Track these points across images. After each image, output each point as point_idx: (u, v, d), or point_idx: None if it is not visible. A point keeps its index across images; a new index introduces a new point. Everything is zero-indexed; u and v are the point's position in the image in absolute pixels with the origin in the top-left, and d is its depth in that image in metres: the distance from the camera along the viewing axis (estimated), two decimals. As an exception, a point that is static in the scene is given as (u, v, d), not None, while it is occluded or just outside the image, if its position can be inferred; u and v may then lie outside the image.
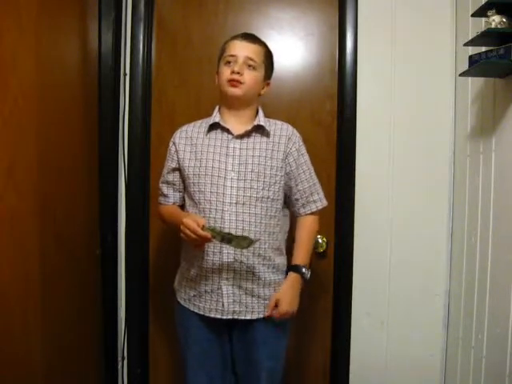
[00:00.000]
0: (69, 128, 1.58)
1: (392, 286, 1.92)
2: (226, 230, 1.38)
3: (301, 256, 1.51)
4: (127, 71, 1.94)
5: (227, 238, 1.34)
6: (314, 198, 1.54)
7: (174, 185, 1.54)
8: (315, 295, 1.96)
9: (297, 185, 1.51)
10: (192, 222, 1.33)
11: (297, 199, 1.53)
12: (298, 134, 1.54)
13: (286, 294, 1.47)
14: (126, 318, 1.99)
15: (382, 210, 1.90)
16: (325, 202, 1.57)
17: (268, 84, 1.54)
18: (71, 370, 1.59)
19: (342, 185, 1.90)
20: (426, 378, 1.93)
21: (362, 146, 1.88)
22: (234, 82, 1.42)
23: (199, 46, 1.96)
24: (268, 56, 1.50)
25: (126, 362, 2.00)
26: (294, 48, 1.94)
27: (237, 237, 1.35)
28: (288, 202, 1.55)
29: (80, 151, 1.69)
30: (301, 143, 1.53)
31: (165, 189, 1.56)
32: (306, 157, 1.54)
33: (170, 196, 1.56)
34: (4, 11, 1.15)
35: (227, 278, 1.43)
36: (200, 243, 1.36)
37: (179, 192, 1.55)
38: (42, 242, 1.35)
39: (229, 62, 1.44)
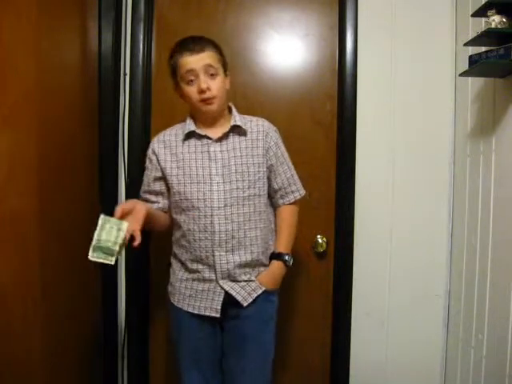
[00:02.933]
0: (69, 128, 1.58)
1: (392, 286, 1.92)
2: None
3: (283, 244, 1.54)
4: (127, 71, 1.94)
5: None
6: (292, 188, 1.57)
7: (163, 193, 1.55)
8: (315, 295, 1.96)
9: (275, 177, 1.54)
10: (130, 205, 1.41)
11: (275, 191, 1.55)
12: (275, 128, 1.55)
13: (267, 281, 1.50)
14: (125, 318, 1.99)
15: (382, 210, 1.90)
16: (303, 192, 1.60)
17: (228, 75, 1.50)
18: (71, 369, 1.59)
19: (342, 185, 1.90)
20: (426, 378, 1.93)
21: (362, 146, 1.88)
22: (207, 101, 1.41)
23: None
24: (219, 51, 1.46)
25: (125, 361, 2.00)
26: (293, 48, 1.94)
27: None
28: (268, 193, 1.56)
29: (80, 151, 1.69)
30: (278, 136, 1.55)
31: (153, 197, 1.56)
32: (283, 149, 1.56)
33: (160, 202, 1.56)
34: (4, 11, 1.15)
35: (223, 278, 1.46)
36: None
37: (167, 199, 1.56)
38: (41, 241, 1.35)
39: (190, 80, 1.41)
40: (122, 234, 1.34)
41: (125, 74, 1.95)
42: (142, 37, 1.93)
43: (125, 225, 1.35)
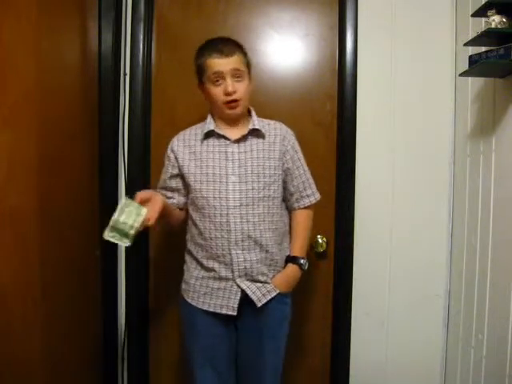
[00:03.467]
0: (69, 128, 1.58)
1: (392, 285, 1.92)
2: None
3: (298, 248, 1.56)
4: (127, 71, 1.94)
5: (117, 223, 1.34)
6: (308, 192, 1.59)
7: (179, 190, 1.57)
8: (315, 295, 1.96)
9: (292, 180, 1.56)
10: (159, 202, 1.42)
11: (291, 194, 1.57)
12: (292, 132, 1.58)
13: (280, 283, 1.52)
14: (125, 318, 1.99)
15: (382, 210, 1.90)
16: (317, 196, 1.62)
17: (250, 79, 1.53)
18: (71, 369, 1.59)
19: (342, 185, 1.90)
20: (426, 378, 1.93)
21: (362, 146, 1.88)
22: (231, 104, 1.45)
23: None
24: (246, 55, 1.50)
25: (125, 361, 2.00)
26: (293, 48, 1.94)
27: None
28: (283, 196, 1.58)
29: (80, 151, 1.69)
30: (294, 140, 1.57)
31: (169, 193, 1.59)
32: (300, 153, 1.58)
33: (175, 198, 1.58)
34: (4, 11, 1.15)
35: (240, 276, 1.47)
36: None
37: (183, 196, 1.58)
38: (42, 242, 1.35)
39: (216, 81, 1.44)
40: (140, 219, 1.35)
41: (125, 74, 1.95)
42: (141, 37, 1.93)
43: (144, 210, 1.37)
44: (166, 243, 2.01)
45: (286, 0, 1.95)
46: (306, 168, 1.60)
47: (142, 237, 1.98)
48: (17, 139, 1.22)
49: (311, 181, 1.61)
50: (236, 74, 1.44)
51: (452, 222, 1.87)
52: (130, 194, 1.94)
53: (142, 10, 1.92)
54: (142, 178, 1.96)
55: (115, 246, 1.94)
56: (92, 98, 1.80)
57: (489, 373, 1.52)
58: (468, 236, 1.71)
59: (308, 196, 1.59)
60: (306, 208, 1.59)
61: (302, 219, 1.59)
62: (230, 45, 1.46)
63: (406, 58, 1.88)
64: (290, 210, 1.60)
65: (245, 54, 1.49)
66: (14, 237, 1.21)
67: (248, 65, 1.50)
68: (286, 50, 1.94)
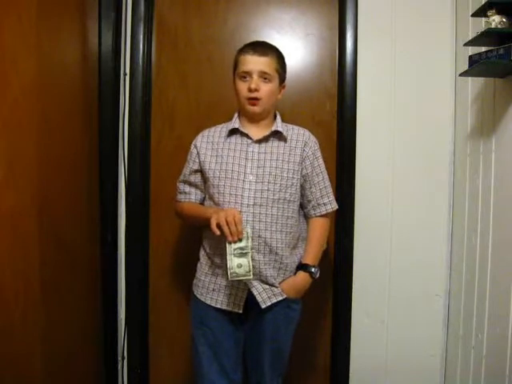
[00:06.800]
0: (69, 128, 1.58)
1: (392, 285, 1.92)
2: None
3: (310, 256, 1.57)
4: (127, 71, 1.94)
5: (244, 253, 1.37)
6: (325, 200, 1.59)
7: (197, 185, 1.60)
8: (315, 295, 1.96)
9: (310, 187, 1.57)
10: (238, 213, 1.39)
11: (309, 201, 1.58)
12: (315, 139, 1.60)
13: (288, 289, 1.53)
14: (125, 318, 1.99)
15: (382, 210, 1.91)
16: (335, 206, 1.62)
17: (284, 87, 1.58)
18: (71, 369, 1.59)
19: (342, 185, 1.90)
20: (426, 378, 1.93)
21: (362, 145, 1.89)
22: (252, 101, 1.48)
23: (199, 46, 1.96)
24: (280, 63, 1.53)
25: (125, 361, 2.00)
26: (294, 48, 1.94)
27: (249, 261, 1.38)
28: (301, 203, 1.60)
29: (80, 151, 1.69)
30: (316, 148, 1.59)
31: (187, 188, 1.61)
32: (321, 161, 1.59)
33: (192, 193, 1.60)
34: (4, 11, 1.15)
35: None
36: (226, 234, 1.37)
37: (201, 191, 1.60)
38: (41, 241, 1.35)
39: (244, 77, 1.49)
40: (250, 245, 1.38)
41: (125, 74, 1.95)
42: (141, 37, 1.93)
43: (249, 234, 1.39)
44: (166, 243, 2.01)
45: (286, 0, 1.95)
46: (326, 176, 1.60)
47: (142, 237, 1.99)
48: (16, 139, 1.22)
49: (329, 190, 1.61)
50: (262, 76, 1.47)
51: (452, 221, 1.87)
52: (130, 194, 1.95)
53: (142, 10, 1.92)
54: (141, 179, 1.96)
55: (115, 245, 1.95)
56: (92, 98, 1.80)
57: (489, 373, 1.52)
58: (468, 236, 1.71)
59: (325, 204, 1.59)
60: (322, 216, 1.59)
61: (317, 227, 1.59)
62: (266, 47, 1.52)
63: (406, 58, 1.88)
64: (307, 217, 1.61)
65: (279, 61, 1.52)
66: (13, 237, 1.21)
67: (279, 72, 1.52)
68: (286, 50, 1.93)
